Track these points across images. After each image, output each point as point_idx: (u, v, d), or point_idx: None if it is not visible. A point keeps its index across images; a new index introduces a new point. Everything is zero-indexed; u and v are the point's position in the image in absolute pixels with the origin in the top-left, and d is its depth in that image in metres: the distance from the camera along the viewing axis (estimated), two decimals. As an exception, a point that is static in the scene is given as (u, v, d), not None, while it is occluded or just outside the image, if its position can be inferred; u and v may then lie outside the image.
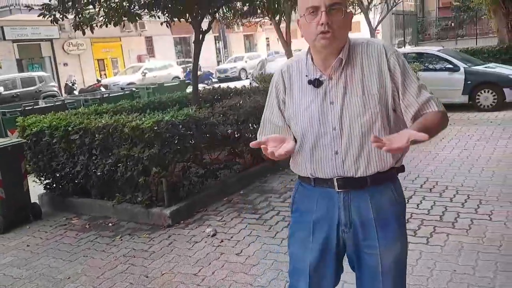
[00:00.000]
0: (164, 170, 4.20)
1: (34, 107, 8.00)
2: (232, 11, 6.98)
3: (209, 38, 29.85)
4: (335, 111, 1.58)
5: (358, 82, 1.57)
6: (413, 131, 1.40)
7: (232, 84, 8.32)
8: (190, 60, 25.10)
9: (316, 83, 1.60)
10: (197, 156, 4.51)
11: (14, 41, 20.77)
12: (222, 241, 3.84)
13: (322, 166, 1.64)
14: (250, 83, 10.42)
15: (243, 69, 26.38)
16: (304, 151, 1.68)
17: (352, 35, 1.65)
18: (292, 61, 1.74)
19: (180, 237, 4.02)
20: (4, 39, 20.31)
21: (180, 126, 4.17)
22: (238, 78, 24.70)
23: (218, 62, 31.34)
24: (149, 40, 27.50)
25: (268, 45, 38.18)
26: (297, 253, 1.76)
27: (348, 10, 1.58)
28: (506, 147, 6.02)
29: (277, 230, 3.94)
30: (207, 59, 29.68)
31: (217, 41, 31.71)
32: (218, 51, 32.25)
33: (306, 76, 1.64)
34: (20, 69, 20.99)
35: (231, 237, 3.90)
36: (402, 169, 1.72)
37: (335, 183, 1.63)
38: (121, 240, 4.11)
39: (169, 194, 4.36)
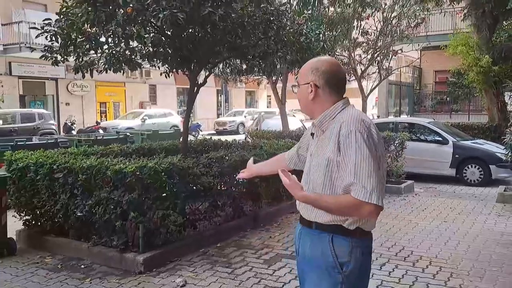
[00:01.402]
0: (142, 216, 4.24)
1: (26, 142, 8.11)
2: (230, 68, 7.29)
3: (212, 91, 30.64)
4: (309, 162, 1.98)
5: (322, 145, 1.89)
6: (294, 191, 1.84)
7: (229, 138, 8.51)
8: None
9: (312, 135, 2.04)
10: (177, 204, 4.56)
11: (19, 77, 21.26)
12: (190, 292, 3.82)
13: (297, 202, 2.01)
14: (245, 138, 10.64)
15: (242, 123, 26.88)
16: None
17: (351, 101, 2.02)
18: None
19: (149, 285, 4.00)
20: (10, 74, 20.80)
21: (163, 174, 4.26)
22: (236, 132, 25.08)
23: (218, 115, 31.93)
24: (152, 88, 28.18)
25: (269, 102, 39.09)
26: None
27: (303, 85, 1.97)
28: (485, 223, 6.10)
29: (246, 286, 3.94)
30: (208, 111, 30.33)
31: (219, 94, 32.48)
32: (219, 104, 32.94)
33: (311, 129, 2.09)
34: (22, 104, 21.32)
35: (200, 289, 3.89)
36: (356, 230, 1.84)
37: (299, 217, 2.03)
38: (90, 283, 4.08)
39: (144, 240, 4.38)
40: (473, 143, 9.82)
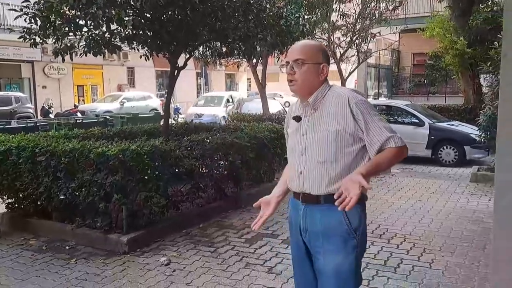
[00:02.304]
0: (125, 198, 4.32)
1: (6, 126, 8.02)
2: (210, 50, 7.30)
3: (191, 73, 30.37)
4: (303, 141, 2.06)
5: (321, 122, 2.02)
6: (364, 182, 1.80)
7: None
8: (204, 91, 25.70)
9: (296, 118, 2.11)
10: (160, 186, 4.64)
11: (-6, 59, 20.74)
12: (174, 270, 3.94)
13: (292, 182, 2.13)
14: (226, 121, 10.71)
15: (222, 106, 26.80)
16: (288, 168, 2.22)
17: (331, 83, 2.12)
18: (295, 102, 2.25)
19: (134, 264, 4.10)
20: (-15, 56, 20.29)
21: (145, 156, 4.33)
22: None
23: (198, 98, 31.76)
24: (131, 71, 27.80)
25: (250, 85, 39.01)
26: (290, 244, 2.28)
27: (315, 64, 2.03)
28: (458, 202, 6.37)
29: (229, 264, 4.07)
30: (188, 94, 30.06)
31: (198, 77, 32.25)
32: (199, 87, 32.73)
33: (294, 113, 2.16)
34: (-2, 87, 20.87)
35: (184, 267, 4.01)
36: (364, 197, 2.05)
37: (300, 197, 2.08)
38: (76, 263, 4.16)
39: (128, 222, 4.46)
40: (449, 124, 10.10)
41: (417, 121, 9.83)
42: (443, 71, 19.66)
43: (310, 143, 2.03)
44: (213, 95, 21.79)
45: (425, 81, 22.51)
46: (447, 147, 9.54)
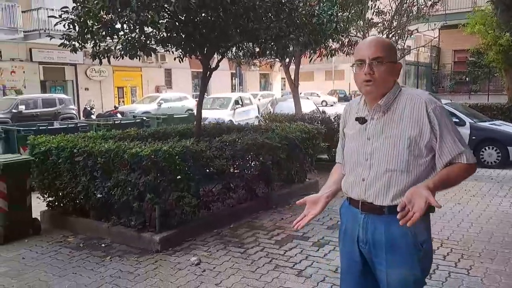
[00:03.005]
0: (158, 197, 4.40)
1: (48, 127, 8.35)
2: (243, 51, 7.32)
3: (226, 74, 30.64)
4: (369, 145, 1.92)
5: (394, 126, 1.87)
6: (431, 198, 1.69)
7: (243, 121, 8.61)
8: (206, 93, 25.70)
9: (360, 120, 1.97)
10: (191, 186, 4.70)
11: (40, 63, 21.66)
12: (204, 270, 3.98)
13: (352, 188, 1.99)
14: (259, 121, 10.71)
15: (256, 106, 26.88)
16: (345, 173, 2.07)
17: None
18: (353, 101, 2.11)
19: (165, 263, 4.17)
20: (31, 60, 21.21)
21: (177, 157, 4.39)
22: (250, 115, 25.13)
23: (234, 98, 31.98)
24: (168, 72, 28.36)
25: (284, 84, 38.94)
26: (340, 257, 2.19)
27: (392, 63, 1.89)
28: (500, 205, 6.10)
29: (258, 265, 4.07)
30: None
31: (233, 78, 32.49)
32: (234, 87, 32.98)
33: (356, 113, 2.01)
34: (43, 90, 21.77)
35: (214, 267, 4.04)
36: (430, 209, 1.82)
37: (360, 205, 1.96)
38: (111, 261, 4.28)
39: (160, 221, 4.55)
40: (491, 124, 9.70)
41: (457, 120, 9.46)
42: (486, 68, 18.92)
43: (378, 148, 1.89)
44: (219, 96, 19.51)
45: (467, 78, 21.73)
46: (489, 148, 9.16)
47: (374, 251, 1.93)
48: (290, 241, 4.70)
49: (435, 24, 14.83)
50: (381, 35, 11.75)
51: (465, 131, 9.29)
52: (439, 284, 3.65)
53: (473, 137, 9.24)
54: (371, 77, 1.86)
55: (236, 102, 17.83)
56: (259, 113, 17.46)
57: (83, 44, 5.37)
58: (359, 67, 1.89)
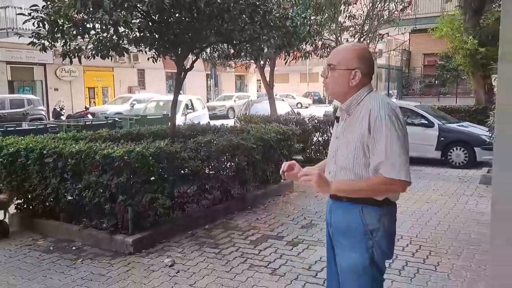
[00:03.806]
0: (131, 199, 4.36)
1: (16, 128, 8.14)
2: (217, 52, 7.33)
3: (201, 75, 30.54)
4: (335, 143, 2.15)
5: (351, 129, 2.06)
6: (314, 185, 1.95)
7: (219, 122, 8.59)
8: (181, 94, 25.37)
9: (337, 119, 2.20)
10: (165, 188, 4.67)
11: (8, 62, 21.08)
12: (178, 271, 3.96)
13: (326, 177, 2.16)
14: (235, 122, 10.72)
15: (232, 108, 26.90)
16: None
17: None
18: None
19: (139, 265, 4.13)
20: (-2, 60, 20.63)
21: (150, 158, 4.36)
22: (225, 117, 25.12)
23: (208, 99, 31.89)
24: (141, 73, 28.05)
25: (260, 86, 39.08)
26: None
27: (345, 70, 2.04)
28: (466, 204, 6.30)
29: (233, 265, 4.08)
30: (198, 95, 30.14)
31: (208, 79, 32.39)
32: (209, 89, 32.88)
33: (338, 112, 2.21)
34: (11, 90, 21.19)
35: (188, 268, 4.03)
36: (384, 201, 2.04)
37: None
38: (82, 263, 4.21)
39: (133, 223, 4.50)
40: (459, 126, 9.98)
41: (426, 122, 9.73)
42: (454, 72, 19.47)
43: (340, 147, 2.10)
44: (168, 99, 16.69)
45: (436, 81, 22.31)
46: (457, 149, 9.44)
47: (335, 235, 2.15)
48: (264, 241, 4.73)
49: (405, 28, 15.19)
50: (353, 39, 11.96)
51: (433, 132, 9.55)
52: (408, 280, 3.75)
53: (442, 138, 9.50)
54: (324, 81, 2.13)
55: (187, 106, 15.98)
56: (234, 115, 17.21)
57: (53, 43, 5.25)
58: (323, 72, 2.15)
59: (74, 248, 4.61)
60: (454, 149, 9.46)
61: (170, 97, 19.06)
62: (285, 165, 2.14)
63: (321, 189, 1.97)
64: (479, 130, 9.57)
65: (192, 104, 16.53)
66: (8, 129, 7.84)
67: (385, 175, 1.92)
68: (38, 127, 8.77)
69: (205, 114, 16.84)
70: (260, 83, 37.73)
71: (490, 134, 8.09)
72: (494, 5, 13.57)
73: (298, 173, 2.05)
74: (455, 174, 8.59)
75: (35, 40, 5.15)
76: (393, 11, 12.18)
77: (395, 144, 1.92)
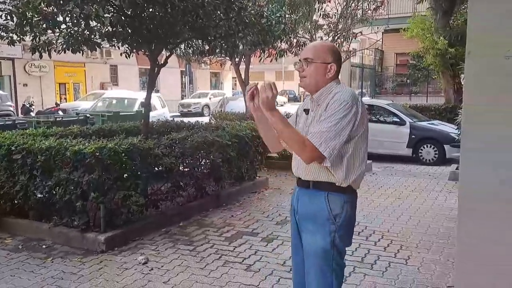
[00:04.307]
0: (103, 196, 4.28)
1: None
2: (192, 48, 7.27)
3: (176, 72, 30.22)
4: (306, 133, 2.17)
5: (318, 116, 2.14)
6: (261, 104, 2.02)
7: (194, 120, 8.54)
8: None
9: (306, 111, 2.28)
10: (138, 185, 4.61)
11: (-27, 56, 20.37)
12: (152, 269, 3.92)
13: (293, 167, 2.31)
14: (210, 120, 10.68)
15: (207, 105, 26.74)
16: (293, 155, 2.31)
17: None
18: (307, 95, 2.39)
19: (111, 263, 4.07)
20: (-37, 54, 19.91)
21: (123, 154, 4.30)
22: (200, 114, 24.98)
23: (183, 96, 31.61)
24: (113, 69, 27.55)
25: (235, 84, 38.98)
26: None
27: (322, 63, 2.16)
28: (436, 199, 6.46)
29: (207, 262, 4.07)
30: (172, 92, 29.93)
31: (183, 76, 32.10)
32: (183, 86, 32.59)
33: (305, 105, 2.32)
34: (-23, 85, 20.49)
35: (162, 266, 3.99)
36: (348, 189, 2.18)
37: (296, 181, 2.30)
38: (52, 262, 4.11)
39: (105, 221, 4.42)
40: (429, 124, 10.24)
41: (398, 120, 9.95)
42: (425, 71, 19.91)
43: (310, 136, 2.13)
44: (122, 96, 16.00)
45: (408, 80, 22.78)
46: (427, 146, 9.68)
47: (301, 220, 2.26)
48: (239, 238, 4.73)
49: (378, 28, 15.43)
50: (327, 37, 12.06)
51: (405, 130, 9.78)
52: (380, 273, 3.82)
53: (413, 136, 9.73)
54: (301, 74, 2.21)
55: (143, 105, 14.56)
56: (209, 113, 16.84)
57: (21, 36, 5.11)
58: (299, 65, 2.22)
59: (44, 246, 4.50)
60: (425, 146, 9.70)
61: (125, 94, 18.08)
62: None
63: (268, 106, 2.01)
64: (449, 128, 9.83)
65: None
66: (-26, 125, 7.58)
67: (309, 139, 2.04)
68: (6, 122, 8.50)
69: (164, 114, 14.73)
70: (236, 81, 37.62)
71: (459, 132, 8.31)
72: (463, 6, 13.93)
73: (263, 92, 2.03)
74: (426, 171, 8.80)
75: (2, 34, 4.99)
76: (366, 10, 12.35)
77: (336, 127, 2.03)
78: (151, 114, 14.73)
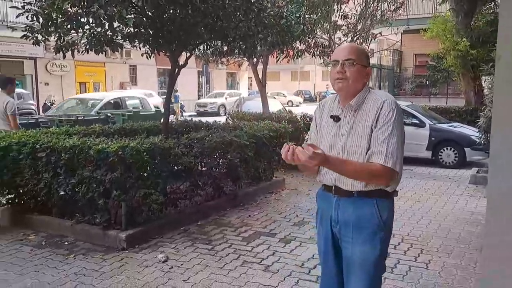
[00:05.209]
0: (124, 194, 4.35)
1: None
2: (211, 49, 7.32)
3: (193, 72, 30.43)
4: (342, 141, 2.13)
5: (360, 124, 2.10)
6: (307, 161, 1.89)
7: (210, 119, 8.60)
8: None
9: (335, 118, 2.18)
10: (159, 184, 4.67)
11: (-3, 56, 20.81)
12: (172, 267, 3.97)
13: (325, 176, 2.21)
14: (226, 119, 10.72)
15: (223, 105, 26.87)
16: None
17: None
18: (328, 99, 2.32)
19: (132, 260, 4.13)
20: (-13, 53, 20.37)
21: (144, 153, 4.35)
22: (217, 114, 25.10)
23: (199, 96, 31.81)
24: (133, 69, 27.88)
25: (251, 84, 39.08)
26: (317, 239, 2.39)
27: (363, 66, 2.12)
28: (456, 203, 6.38)
29: (226, 262, 4.10)
30: (189, 92, 30.16)
31: (200, 76, 32.30)
32: (200, 86, 32.79)
33: (330, 111, 2.22)
34: (0, 84, 20.92)
35: (181, 264, 4.04)
36: (394, 193, 2.19)
37: (333, 190, 2.18)
38: (75, 259, 4.19)
39: (127, 218, 4.49)
40: (449, 126, 10.08)
41: (418, 122, 9.82)
42: (445, 73, 19.60)
43: (348, 143, 2.11)
44: (87, 97, 14.22)
45: (427, 82, 22.45)
46: (447, 149, 9.54)
47: (343, 230, 2.16)
48: (257, 238, 4.75)
49: (397, 28, 15.28)
50: (345, 38, 12.01)
51: (424, 132, 9.65)
52: (400, 277, 3.80)
53: (432, 138, 9.60)
54: (343, 75, 2.09)
55: (117, 105, 13.12)
56: (225, 112, 16.96)
57: (46, 37, 5.21)
58: (334, 67, 2.12)
59: (66, 243, 4.59)
60: (445, 149, 9.56)
61: (89, 95, 17.25)
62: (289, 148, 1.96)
63: (320, 163, 1.95)
64: (469, 131, 9.67)
65: (121, 102, 13.31)
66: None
67: (383, 163, 1.99)
68: (30, 121, 8.68)
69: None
70: (251, 81, 37.76)
71: (480, 135, 8.19)
72: (485, 8, 13.70)
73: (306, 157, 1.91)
74: (446, 174, 8.69)
75: (28, 34, 5.10)
76: (385, 11, 12.25)
77: (396, 138, 2.02)
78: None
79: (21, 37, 5.14)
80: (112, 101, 13.19)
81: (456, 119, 11.83)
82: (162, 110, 8.66)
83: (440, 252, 4.40)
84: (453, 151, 9.47)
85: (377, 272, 2.14)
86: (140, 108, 13.70)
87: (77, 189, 4.53)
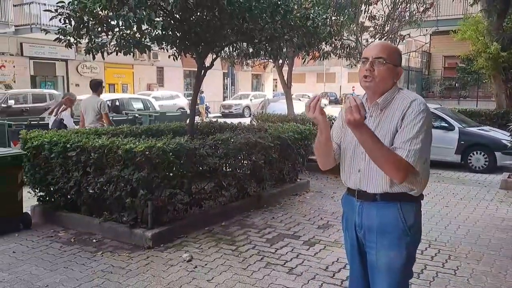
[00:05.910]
0: (151, 194, 4.42)
1: (40, 122, 8.31)
2: (237, 51, 7.37)
3: (218, 73, 30.68)
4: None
5: (386, 123, 2.04)
6: (353, 115, 1.82)
7: (235, 121, 8.64)
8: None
9: None
10: (184, 184, 4.72)
11: (31, 58, 21.50)
12: (196, 267, 4.01)
13: (350, 178, 2.17)
14: (251, 121, 10.76)
15: (248, 106, 26.95)
16: (343, 164, 2.21)
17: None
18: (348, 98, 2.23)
19: (157, 259, 4.19)
20: (22, 55, 21.06)
21: (170, 154, 4.42)
22: (241, 115, 25.20)
23: (224, 98, 32.02)
24: (160, 70, 28.33)
25: (276, 85, 39.07)
26: (344, 242, 2.37)
27: (394, 65, 2.05)
28: (486, 209, 6.21)
29: (249, 263, 4.11)
30: (215, 94, 30.42)
31: (225, 77, 32.52)
32: (225, 87, 33.00)
33: None
34: (33, 85, 21.58)
35: (205, 264, 4.08)
36: (420, 197, 2.12)
37: (356, 194, 2.13)
38: (102, 256, 4.28)
39: (153, 217, 4.56)
40: (479, 129, 9.82)
41: (446, 125, 9.60)
42: (475, 75, 19.16)
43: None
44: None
45: (456, 84, 21.97)
46: (477, 153, 9.30)
47: (367, 235, 2.11)
48: (281, 240, 4.75)
49: (426, 30, 15.01)
50: (373, 39, 11.87)
51: (453, 135, 9.43)
52: (427, 283, 3.72)
53: (462, 142, 9.37)
54: (371, 73, 2.04)
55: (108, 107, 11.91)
56: (250, 114, 17.08)
57: (78, 39, 5.35)
58: (363, 64, 2.07)
59: (94, 240, 4.70)
60: (474, 153, 9.32)
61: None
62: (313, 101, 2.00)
63: (355, 125, 1.87)
64: (500, 135, 9.42)
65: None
66: (32, 122, 8.00)
67: (407, 160, 1.93)
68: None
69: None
70: (276, 83, 37.78)
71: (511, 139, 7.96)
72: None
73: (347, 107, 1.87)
74: (475, 179, 8.47)
75: (61, 37, 5.25)
76: (414, 12, 12.05)
77: (425, 139, 1.95)
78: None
79: (54, 40, 5.30)
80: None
81: (486, 123, 11.52)
82: (188, 111, 8.77)
83: (469, 259, 4.30)
84: (483, 155, 9.23)
85: (403, 277, 2.10)
86: (143, 109, 14.06)
87: (105, 188, 4.63)
